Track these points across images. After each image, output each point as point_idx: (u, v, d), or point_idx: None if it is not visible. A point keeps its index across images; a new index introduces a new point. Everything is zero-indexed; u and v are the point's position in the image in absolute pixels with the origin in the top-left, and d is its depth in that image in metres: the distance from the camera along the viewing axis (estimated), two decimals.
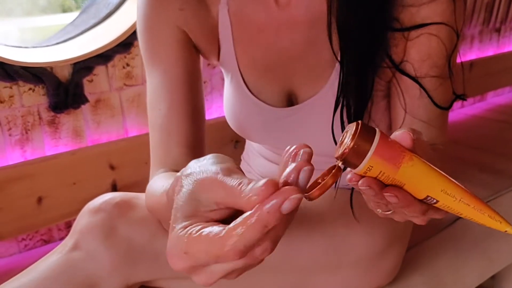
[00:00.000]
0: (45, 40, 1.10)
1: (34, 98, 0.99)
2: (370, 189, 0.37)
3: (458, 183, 0.37)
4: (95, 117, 1.08)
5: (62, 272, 0.57)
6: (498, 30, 1.96)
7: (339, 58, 0.63)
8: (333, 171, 0.36)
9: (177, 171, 0.64)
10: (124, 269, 0.60)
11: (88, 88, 1.04)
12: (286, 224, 0.31)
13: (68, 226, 1.11)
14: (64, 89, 1.00)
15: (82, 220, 0.60)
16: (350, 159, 0.35)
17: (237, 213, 0.32)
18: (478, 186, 1.15)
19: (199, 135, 0.69)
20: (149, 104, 0.69)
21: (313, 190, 0.35)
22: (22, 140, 1.00)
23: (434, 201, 0.38)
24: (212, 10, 0.70)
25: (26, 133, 1.00)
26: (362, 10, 0.60)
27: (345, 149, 0.35)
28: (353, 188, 0.68)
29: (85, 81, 1.03)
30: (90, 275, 0.58)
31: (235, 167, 0.35)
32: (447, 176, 0.37)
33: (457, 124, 1.70)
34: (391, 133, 0.38)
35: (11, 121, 0.97)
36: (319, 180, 0.37)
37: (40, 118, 1.01)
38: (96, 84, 1.06)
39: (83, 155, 1.06)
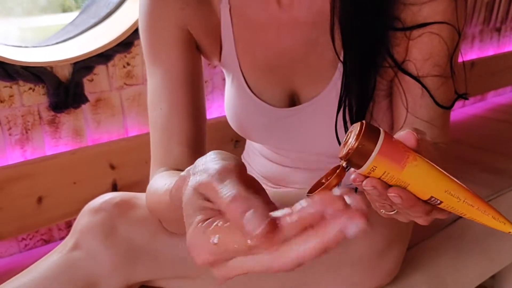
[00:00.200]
0: (45, 40, 1.10)
1: (34, 97, 0.98)
2: (375, 190, 0.36)
3: (462, 184, 0.37)
4: (95, 116, 1.07)
5: (63, 272, 0.57)
6: (498, 30, 1.96)
7: (341, 59, 0.63)
8: (337, 171, 0.36)
9: (178, 170, 0.64)
10: (124, 269, 0.60)
11: (88, 88, 1.04)
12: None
13: (68, 226, 1.11)
14: (64, 88, 1.00)
15: (83, 219, 0.60)
16: (355, 159, 0.35)
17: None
18: (479, 186, 1.15)
19: (200, 134, 0.69)
20: (150, 103, 0.69)
21: (317, 190, 0.35)
22: (22, 139, 1.00)
23: (438, 202, 0.37)
24: (214, 10, 0.70)
25: (26, 132, 1.00)
26: (365, 10, 0.60)
27: (349, 149, 0.35)
28: (356, 188, 0.67)
29: (85, 80, 1.03)
30: (90, 275, 0.58)
31: (235, 165, 0.35)
32: (450, 176, 0.37)
33: (457, 124, 1.70)
34: (393, 133, 0.38)
35: (11, 120, 0.97)
36: (323, 180, 0.37)
37: (40, 117, 1.01)
38: (96, 83, 1.05)
39: (83, 155, 1.05)
